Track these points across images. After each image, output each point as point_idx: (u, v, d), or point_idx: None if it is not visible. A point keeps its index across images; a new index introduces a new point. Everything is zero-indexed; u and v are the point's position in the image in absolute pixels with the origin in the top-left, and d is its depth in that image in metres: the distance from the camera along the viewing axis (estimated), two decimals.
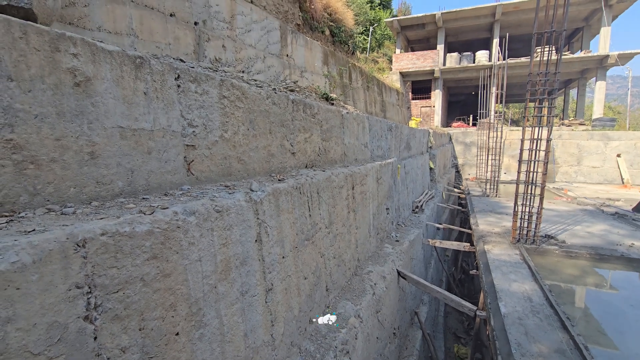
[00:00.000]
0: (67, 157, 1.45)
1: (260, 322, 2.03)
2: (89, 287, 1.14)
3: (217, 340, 1.69)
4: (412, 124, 15.26)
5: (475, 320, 6.44)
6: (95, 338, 1.15)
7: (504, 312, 3.46)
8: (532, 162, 5.56)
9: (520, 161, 5.69)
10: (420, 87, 22.90)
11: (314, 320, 2.73)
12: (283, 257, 2.35)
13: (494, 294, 3.84)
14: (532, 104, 5.73)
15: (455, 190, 12.92)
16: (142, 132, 1.77)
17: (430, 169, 11.02)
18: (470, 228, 7.68)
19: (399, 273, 4.32)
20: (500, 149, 12.12)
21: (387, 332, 3.76)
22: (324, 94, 4.33)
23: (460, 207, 11.44)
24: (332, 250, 3.23)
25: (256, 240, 2.07)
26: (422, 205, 7.90)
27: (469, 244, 6.47)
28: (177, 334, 1.46)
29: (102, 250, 1.19)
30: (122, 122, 1.66)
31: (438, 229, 9.00)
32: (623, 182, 14.42)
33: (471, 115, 24.94)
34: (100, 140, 1.56)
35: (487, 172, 12.73)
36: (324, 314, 2.89)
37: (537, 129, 5.58)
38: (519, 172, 5.73)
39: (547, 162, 5.40)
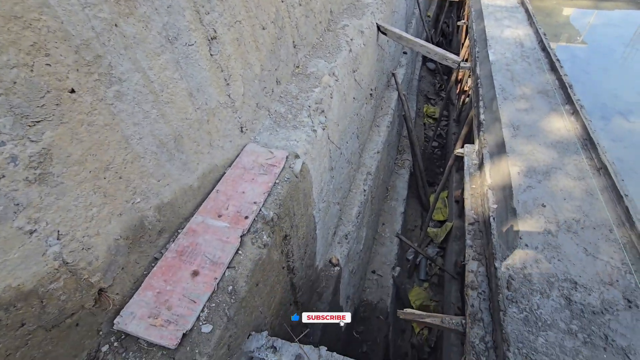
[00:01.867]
0: None
1: (208, 80, 1.59)
2: None
3: (148, 101, 1.28)
4: None
5: (449, 81, 6.42)
6: None
7: (492, 59, 3.14)
8: None
9: None
10: None
11: (281, 80, 2.33)
12: None
13: (484, 42, 3.42)
14: None
15: None
16: None
17: None
18: None
19: (378, 28, 3.68)
20: None
21: (364, 93, 3.54)
22: None
23: None
24: None
25: None
26: None
27: None
28: (73, 91, 1.01)
29: None
30: None
31: None
32: None
33: None
34: None
35: None
36: (293, 75, 2.47)
37: None
38: None
39: None
